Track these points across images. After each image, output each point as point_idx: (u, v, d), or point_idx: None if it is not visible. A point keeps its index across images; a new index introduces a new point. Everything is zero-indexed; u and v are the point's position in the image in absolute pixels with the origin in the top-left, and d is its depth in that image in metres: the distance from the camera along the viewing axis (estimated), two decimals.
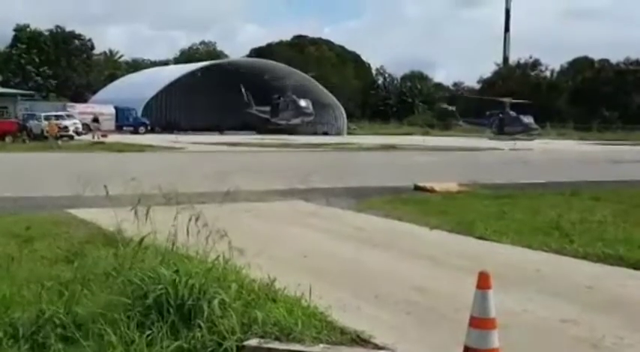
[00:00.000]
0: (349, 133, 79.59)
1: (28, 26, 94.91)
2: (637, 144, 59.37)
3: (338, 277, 7.59)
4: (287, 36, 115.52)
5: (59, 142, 42.61)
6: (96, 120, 57.63)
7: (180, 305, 5.23)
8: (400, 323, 5.95)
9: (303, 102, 74.75)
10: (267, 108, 76.93)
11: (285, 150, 42.59)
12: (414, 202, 14.39)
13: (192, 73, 78.16)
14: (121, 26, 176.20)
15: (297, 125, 75.50)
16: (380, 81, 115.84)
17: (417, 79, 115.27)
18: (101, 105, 69.31)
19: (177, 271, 5.51)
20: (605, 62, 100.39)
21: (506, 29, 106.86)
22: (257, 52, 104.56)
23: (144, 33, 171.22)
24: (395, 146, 47.39)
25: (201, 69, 79.84)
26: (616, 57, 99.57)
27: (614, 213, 12.23)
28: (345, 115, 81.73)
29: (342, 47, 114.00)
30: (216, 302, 5.25)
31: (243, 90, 77.43)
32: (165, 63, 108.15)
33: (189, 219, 6.11)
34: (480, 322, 4.53)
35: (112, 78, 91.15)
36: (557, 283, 7.52)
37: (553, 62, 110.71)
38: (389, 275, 7.74)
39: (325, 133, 77.80)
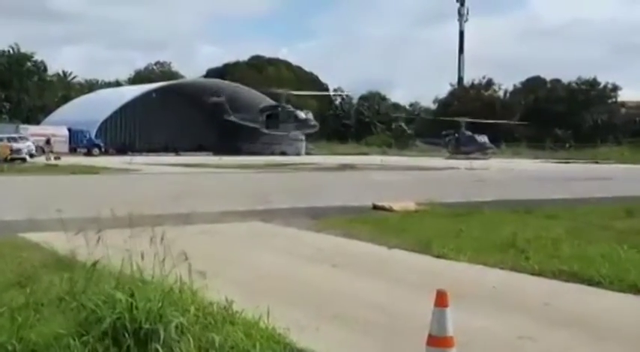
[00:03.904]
0: (308, 153, 79.73)
1: None
2: (589, 162, 60.70)
3: (296, 298, 7.55)
4: (244, 56, 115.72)
5: (5, 166, 41.53)
6: (48, 142, 56.72)
7: (136, 329, 5.12)
8: (359, 343, 5.93)
9: (303, 114, 72.96)
10: (261, 118, 74.16)
11: (243, 170, 42.40)
12: (372, 221, 14.43)
13: (147, 94, 77.59)
14: (76, 47, 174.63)
15: (297, 138, 73.12)
16: (337, 101, 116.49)
17: (374, 99, 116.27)
18: (55, 127, 68.35)
19: (132, 295, 5.40)
20: (557, 82, 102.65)
21: (461, 50, 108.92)
22: (214, 73, 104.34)
23: (99, 54, 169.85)
24: (353, 166, 47.60)
25: (157, 89, 79.30)
26: (568, 77, 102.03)
27: (568, 230, 12.43)
28: (303, 135, 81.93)
29: (299, 68, 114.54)
30: (172, 326, 5.16)
31: (218, 98, 75.95)
32: (119, 84, 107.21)
33: (146, 242, 6.02)
34: (438, 340, 4.54)
35: (66, 99, 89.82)
36: (514, 300, 7.60)
37: (506, 82, 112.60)
38: (348, 295, 7.72)
39: (283, 153, 77.75)
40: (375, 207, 17.03)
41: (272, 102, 78.76)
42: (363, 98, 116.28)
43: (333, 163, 51.00)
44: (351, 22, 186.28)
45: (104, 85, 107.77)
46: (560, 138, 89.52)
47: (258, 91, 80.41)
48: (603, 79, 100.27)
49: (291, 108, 73.52)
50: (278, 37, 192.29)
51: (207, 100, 77.14)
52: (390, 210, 16.54)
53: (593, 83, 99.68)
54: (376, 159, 61.53)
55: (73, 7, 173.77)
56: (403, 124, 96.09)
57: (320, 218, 15.08)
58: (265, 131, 75.29)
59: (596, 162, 60.88)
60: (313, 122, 73.04)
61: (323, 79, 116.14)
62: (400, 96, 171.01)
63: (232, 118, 76.21)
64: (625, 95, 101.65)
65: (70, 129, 68.21)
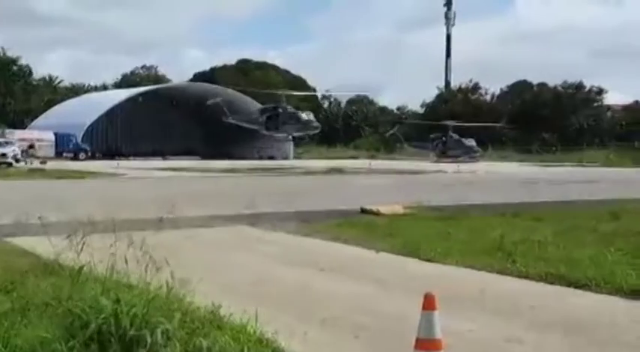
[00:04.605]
0: (296, 157, 79.66)
1: None
2: (575, 165, 61.05)
3: (285, 302, 7.53)
4: (231, 60, 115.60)
5: None
6: (31, 146, 56.43)
7: (122, 335, 5.09)
8: (348, 347, 5.92)
9: (304, 115, 71.47)
10: (261, 120, 72.48)
11: (230, 174, 42.33)
12: (360, 225, 14.43)
13: (134, 98, 77.24)
14: (62, 51, 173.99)
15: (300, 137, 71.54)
16: (326, 105, 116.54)
17: (362, 103, 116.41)
18: (40, 132, 68.08)
19: (118, 300, 5.37)
20: (543, 85, 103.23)
21: (448, 54, 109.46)
22: (201, 77, 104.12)
23: (85, 58, 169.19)
24: (341, 169, 47.61)
25: (143, 93, 78.99)
26: (554, 80, 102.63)
27: (555, 233, 12.48)
28: (291, 139, 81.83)
29: (287, 71, 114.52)
30: (159, 331, 5.13)
31: (215, 100, 75.06)
32: (106, 88, 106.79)
33: (130, 247, 5.99)
34: (426, 343, 4.54)
35: (52, 103, 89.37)
36: (501, 303, 7.62)
37: (493, 86, 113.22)
38: (336, 299, 7.71)
39: (271, 157, 77.63)
40: (363, 211, 17.03)
41: (260, 105, 78.41)
42: (351, 102, 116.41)
43: (322, 167, 51.00)
44: (338, 27, 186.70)
45: (90, 89, 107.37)
46: (546, 141, 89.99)
47: (255, 92, 79.76)
48: (588, 83, 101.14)
49: (292, 110, 71.95)
50: (266, 40, 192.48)
51: (205, 103, 76.14)
52: (377, 213, 16.54)
53: (578, 87, 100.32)
54: (365, 162, 61.60)
55: (59, 12, 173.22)
56: (391, 128, 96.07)
57: (307, 222, 15.07)
58: (265, 133, 73.96)
59: (583, 165, 61.24)
60: (315, 123, 71.46)
61: (311, 82, 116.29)
62: (388, 100, 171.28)
63: (231, 120, 75.11)
64: (610, 98, 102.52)
65: (56, 134, 67.91)
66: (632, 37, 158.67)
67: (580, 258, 9.73)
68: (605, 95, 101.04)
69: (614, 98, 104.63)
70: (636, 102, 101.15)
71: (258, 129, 73.76)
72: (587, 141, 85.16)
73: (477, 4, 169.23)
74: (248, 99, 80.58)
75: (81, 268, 6.06)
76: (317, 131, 72.79)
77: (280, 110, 71.02)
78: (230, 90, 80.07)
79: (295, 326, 6.40)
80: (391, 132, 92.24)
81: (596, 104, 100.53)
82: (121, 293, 5.57)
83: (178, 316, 5.45)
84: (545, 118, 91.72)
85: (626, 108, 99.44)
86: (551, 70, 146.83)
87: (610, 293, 7.99)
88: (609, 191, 25.87)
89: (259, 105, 78.55)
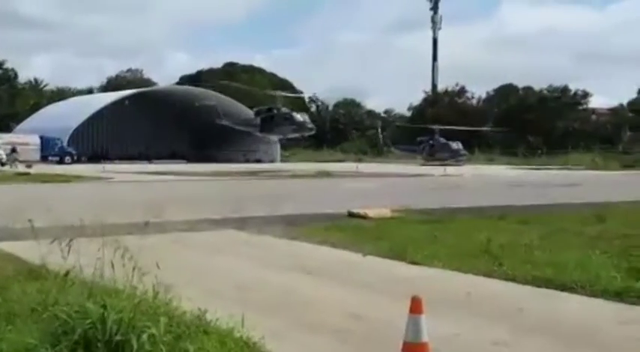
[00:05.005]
0: (283, 160, 79.57)
1: None
2: (560, 169, 61.39)
3: (272, 306, 7.52)
4: (217, 63, 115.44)
5: None
6: (14, 150, 56.07)
7: (108, 340, 5.06)
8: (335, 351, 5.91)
9: (299, 117, 70.23)
10: (255, 122, 71.05)
11: (217, 178, 42.24)
12: (347, 229, 14.43)
13: (120, 101, 76.84)
14: (47, 55, 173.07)
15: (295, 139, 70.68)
16: (313, 108, 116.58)
17: (349, 106, 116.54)
18: (26, 135, 67.63)
19: (104, 305, 5.35)
20: (528, 89, 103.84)
21: (434, 58, 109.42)
22: (187, 80, 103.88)
23: (70, 61, 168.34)
24: (329, 173, 47.64)
25: (129, 97, 78.60)
26: (539, 84, 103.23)
27: (541, 236, 12.55)
28: (278, 142, 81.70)
29: (274, 74, 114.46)
30: (145, 336, 5.10)
31: (209, 102, 74.38)
32: (91, 91, 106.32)
33: (117, 251, 5.96)
34: (413, 347, 4.55)
35: (37, 107, 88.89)
36: (488, 306, 7.64)
37: (480, 89, 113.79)
38: (323, 303, 7.71)
39: (258, 161, 77.46)
40: (351, 214, 17.04)
41: (247, 109, 78.14)
42: (338, 105, 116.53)
43: (309, 170, 51.00)
44: (326, 30, 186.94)
45: (76, 92, 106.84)
46: (532, 144, 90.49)
47: (241, 95, 79.31)
48: (573, 87, 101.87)
49: (287, 110, 70.81)
50: (252, 44, 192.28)
51: (197, 104, 75.45)
52: (365, 217, 16.56)
53: (563, 90, 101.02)
54: (352, 166, 61.66)
55: (44, 15, 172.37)
56: (378, 131, 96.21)
57: (295, 225, 15.06)
58: (259, 135, 73.04)
59: (568, 168, 61.59)
60: (310, 124, 70.30)
61: (298, 86, 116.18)
62: (375, 103, 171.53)
63: (225, 122, 74.56)
64: (595, 102, 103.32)
65: (41, 137, 67.52)
66: (616, 41, 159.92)
67: (566, 261, 9.78)
68: (589, 98, 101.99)
69: (599, 101, 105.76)
70: (621, 105, 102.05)
71: (252, 132, 72.71)
72: (573, 145, 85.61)
73: (464, 9, 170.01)
74: (234, 101, 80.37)
75: (67, 272, 6.03)
76: (312, 132, 71.75)
77: (275, 111, 70.08)
78: (214, 93, 79.78)
79: (282, 330, 6.39)
80: (377, 132, 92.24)
81: (581, 107, 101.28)
82: (107, 297, 5.55)
83: (165, 320, 5.43)
84: (531, 122, 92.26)
85: (610, 112, 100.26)
86: (536, 74, 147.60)
87: (595, 296, 8.03)
88: (594, 194, 26.03)
89: (245, 108, 78.34)
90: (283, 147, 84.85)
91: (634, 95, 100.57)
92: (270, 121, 69.76)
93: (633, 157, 72.32)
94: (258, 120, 70.83)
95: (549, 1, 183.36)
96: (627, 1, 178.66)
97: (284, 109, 70.83)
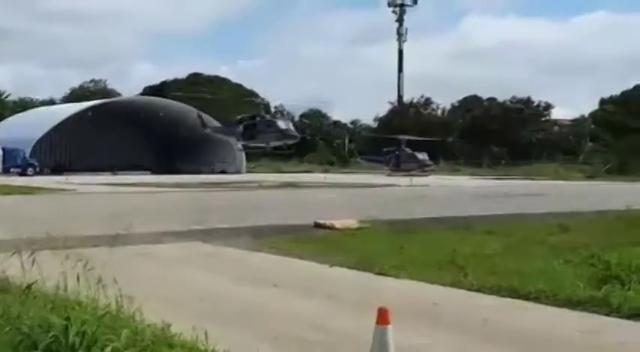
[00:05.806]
0: (249, 171, 79.25)
1: None
2: (524, 178, 62.17)
3: (236, 319, 7.45)
4: (182, 74, 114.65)
5: None
6: None
7: None
8: None
9: (282, 124, 67.57)
10: (238, 130, 67.56)
11: (182, 189, 41.91)
12: (314, 240, 14.41)
13: (83, 112, 75.79)
14: (8, 65, 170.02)
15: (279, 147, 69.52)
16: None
17: (315, 116, 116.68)
18: None
19: (67, 318, 5.26)
20: (492, 100, 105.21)
21: (400, 69, 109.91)
22: (151, 90, 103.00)
23: (32, 72, 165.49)
24: (295, 184, 47.59)
25: (92, 108, 77.59)
26: (502, 96, 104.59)
27: (505, 246, 12.67)
28: (243, 153, 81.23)
29: (239, 85, 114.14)
30: (108, 349, 5.03)
31: (197, 114, 73.23)
32: (54, 102, 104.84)
33: (80, 264, 5.87)
34: None
35: None
36: (454, 316, 7.67)
37: (445, 101, 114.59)
38: (289, 315, 7.67)
39: (223, 172, 76.91)
40: (317, 225, 17.01)
41: (214, 120, 77.62)
42: (304, 116, 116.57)
43: (275, 181, 50.91)
44: (292, 41, 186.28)
45: (38, 103, 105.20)
46: (496, 155, 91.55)
47: (214, 104, 78.56)
48: (536, 98, 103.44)
49: (269, 118, 68.97)
50: (218, 55, 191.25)
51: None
52: (331, 227, 16.54)
53: (526, 102, 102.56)
54: (319, 176, 61.67)
55: (2, 24, 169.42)
56: (344, 142, 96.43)
57: (261, 237, 14.98)
58: (241, 143, 71.69)
59: (532, 179, 62.40)
60: (294, 132, 68.14)
61: (263, 96, 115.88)
62: (341, 114, 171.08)
63: (208, 131, 73.26)
64: (557, 113, 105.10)
65: (3, 149, 66.32)
66: (577, 53, 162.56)
67: (530, 271, 9.89)
68: (552, 110, 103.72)
69: (561, 113, 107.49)
70: (582, 116, 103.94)
71: (236, 139, 70.51)
72: (536, 155, 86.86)
73: (428, 21, 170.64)
74: (201, 112, 79.80)
75: (30, 285, 5.92)
76: (296, 140, 70.24)
77: (258, 119, 68.58)
78: (179, 104, 79.25)
79: (247, 343, 6.33)
80: (344, 142, 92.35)
81: (543, 119, 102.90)
82: (70, 310, 5.46)
83: (128, 333, 5.35)
84: (495, 132, 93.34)
85: (572, 122, 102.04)
86: (500, 86, 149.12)
87: (560, 306, 8.12)
88: (557, 204, 26.39)
89: (212, 119, 77.82)
90: (248, 158, 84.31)
91: (595, 107, 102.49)
92: (252, 129, 68.16)
93: (594, 168, 73.65)
94: (240, 128, 69.39)
95: (512, 15, 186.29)
96: (588, 14, 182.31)
97: (268, 117, 69.72)
